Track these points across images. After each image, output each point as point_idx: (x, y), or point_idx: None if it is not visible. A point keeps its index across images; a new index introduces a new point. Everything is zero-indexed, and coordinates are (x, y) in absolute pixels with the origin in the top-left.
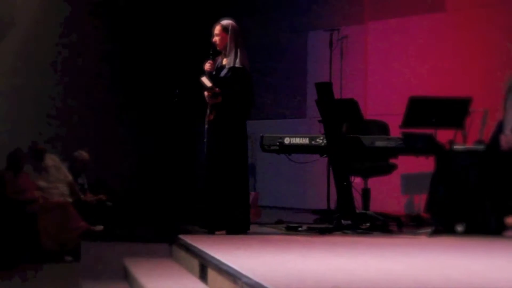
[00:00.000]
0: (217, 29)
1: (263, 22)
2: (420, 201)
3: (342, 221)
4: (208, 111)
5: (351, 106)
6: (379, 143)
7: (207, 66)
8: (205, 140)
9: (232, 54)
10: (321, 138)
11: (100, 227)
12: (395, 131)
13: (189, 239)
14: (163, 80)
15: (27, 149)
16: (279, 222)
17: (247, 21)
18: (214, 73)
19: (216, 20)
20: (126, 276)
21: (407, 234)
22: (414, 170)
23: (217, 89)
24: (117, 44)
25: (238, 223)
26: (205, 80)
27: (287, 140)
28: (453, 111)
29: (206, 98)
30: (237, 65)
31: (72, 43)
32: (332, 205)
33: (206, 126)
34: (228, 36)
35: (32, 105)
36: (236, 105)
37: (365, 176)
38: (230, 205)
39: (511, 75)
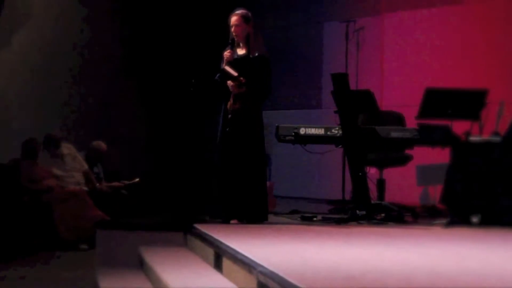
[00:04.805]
0: (236, 20)
1: (278, 13)
2: (435, 192)
3: (357, 211)
4: (231, 100)
5: (367, 97)
6: (394, 134)
7: (227, 54)
8: (227, 129)
9: (256, 44)
10: (337, 128)
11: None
12: (411, 122)
13: (204, 228)
14: (179, 70)
15: (43, 138)
16: (294, 212)
17: (263, 12)
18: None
19: (231, 10)
20: (141, 264)
21: (422, 225)
22: (430, 161)
23: (241, 78)
24: (133, 33)
25: (258, 212)
26: (230, 69)
27: (302, 131)
28: (469, 102)
29: (230, 88)
30: (262, 54)
31: (88, 36)
32: (347, 196)
33: (230, 115)
34: (250, 26)
35: (48, 95)
36: (260, 94)
37: (381, 166)
38: (250, 194)
39: None
